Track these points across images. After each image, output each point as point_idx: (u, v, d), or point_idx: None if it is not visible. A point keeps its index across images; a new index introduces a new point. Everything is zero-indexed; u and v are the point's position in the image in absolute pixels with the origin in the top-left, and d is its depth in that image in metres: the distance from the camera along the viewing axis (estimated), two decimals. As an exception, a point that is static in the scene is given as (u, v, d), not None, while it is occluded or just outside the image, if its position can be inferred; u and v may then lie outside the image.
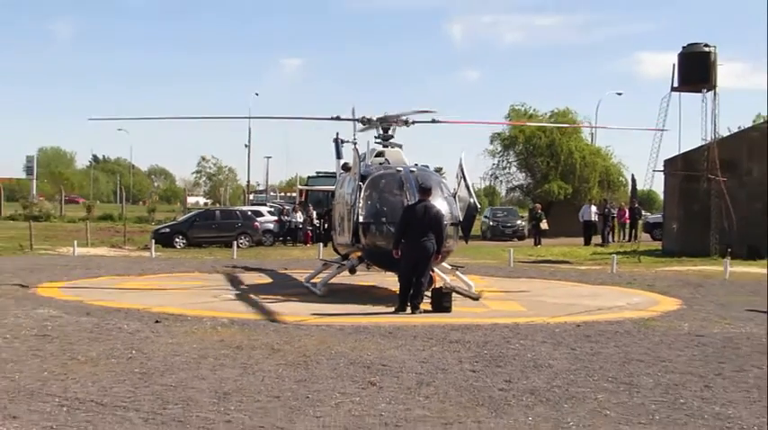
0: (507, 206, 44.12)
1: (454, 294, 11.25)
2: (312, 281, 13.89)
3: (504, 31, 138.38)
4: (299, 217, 29.43)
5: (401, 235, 10.92)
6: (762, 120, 37.13)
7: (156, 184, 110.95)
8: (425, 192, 11.24)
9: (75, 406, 5.62)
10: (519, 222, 35.97)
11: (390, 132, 14.10)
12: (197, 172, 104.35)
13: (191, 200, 71.63)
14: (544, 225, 31.24)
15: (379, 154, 13.79)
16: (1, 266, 17.47)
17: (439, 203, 11.86)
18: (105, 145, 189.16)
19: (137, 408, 5.56)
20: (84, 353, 7.55)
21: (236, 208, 35.82)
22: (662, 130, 21.74)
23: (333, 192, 15.37)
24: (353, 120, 14.56)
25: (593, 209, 30.67)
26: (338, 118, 14.67)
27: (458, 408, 5.70)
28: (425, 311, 10.67)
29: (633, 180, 37.22)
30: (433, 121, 14.56)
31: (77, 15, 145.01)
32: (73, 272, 16.52)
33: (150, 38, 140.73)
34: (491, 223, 35.18)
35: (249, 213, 30.21)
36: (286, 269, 18.00)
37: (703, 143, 22.94)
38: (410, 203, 11.32)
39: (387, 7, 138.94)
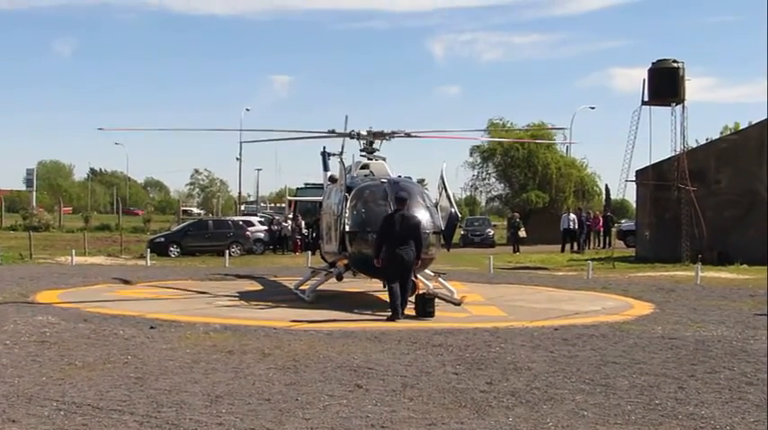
0: (483, 216, 44.86)
1: (437, 300, 11.44)
2: (301, 287, 14.08)
3: (482, 49, 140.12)
4: (288, 225, 29.80)
5: (380, 244, 11.13)
6: (728, 132, 38.06)
7: (151, 196, 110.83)
8: (401, 201, 11.45)
9: (73, 409, 5.69)
10: (488, 231, 36.79)
11: (374, 146, 14.41)
12: (190, 184, 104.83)
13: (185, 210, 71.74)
14: (522, 233, 31.66)
15: (364, 166, 14.07)
16: (1, 275, 17.53)
17: (421, 213, 12.14)
18: (102, 158, 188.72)
19: (132, 412, 5.64)
20: (82, 358, 7.65)
21: (228, 218, 36.10)
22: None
23: (320, 203, 15.62)
24: (343, 135, 14.79)
25: (572, 217, 31.13)
26: (333, 131, 14.95)
27: (441, 410, 5.82)
28: (409, 316, 10.87)
29: (607, 189, 37.86)
30: (407, 136, 14.87)
31: (76, 32, 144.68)
32: (71, 280, 16.60)
33: (146, 55, 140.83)
34: (462, 232, 35.71)
35: (241, 223, 30.48)
36: (276, 276, 18.15)
37: (673, 154, 23.51)
38: (387, 214, 11.50)
39: (372, 27, 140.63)
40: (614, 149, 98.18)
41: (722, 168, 23.37)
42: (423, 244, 11.30)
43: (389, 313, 10.81)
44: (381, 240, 11.13)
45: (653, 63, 23.76)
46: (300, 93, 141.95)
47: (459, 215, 14.39)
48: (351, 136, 14.63)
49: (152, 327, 9.59)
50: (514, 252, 29.70)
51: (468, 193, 45.03)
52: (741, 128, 35.37)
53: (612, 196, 34.91)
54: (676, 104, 23.33)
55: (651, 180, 24.24)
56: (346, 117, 14.66)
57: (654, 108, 23.68)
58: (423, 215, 12.27)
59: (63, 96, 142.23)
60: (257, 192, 72.16)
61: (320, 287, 13.46)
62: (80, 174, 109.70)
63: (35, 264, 22.11)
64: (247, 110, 60.06)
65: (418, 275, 12.28)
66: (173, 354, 7.89)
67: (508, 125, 40.83)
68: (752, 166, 22.72)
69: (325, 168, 16.49)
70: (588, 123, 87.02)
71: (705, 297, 14.00)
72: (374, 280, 12.73)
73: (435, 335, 9.25)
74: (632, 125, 23.42)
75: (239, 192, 60.93)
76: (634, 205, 30.72)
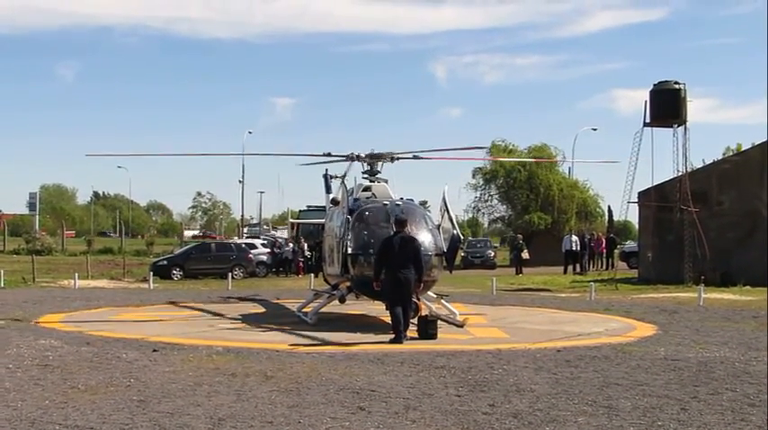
0: (483, 238, 44.95)
1: (439, 322, 11.44)
2: (303, 310, 14.09)
3: (484, 71, 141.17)
4: (290, 247, 29.88)
5: (380, 267, 11.15)
6: (731, 153, 38.13)
7: (154, 219, 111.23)
8: (401, 223, 11.48)
9: (76, 433, 5.68)
10: (489, 252, 36.98)
11: (377, 168, 14.50)
12: (193, 207, 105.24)
13: (187, 233, 71.87)
14: (525, 254, 31.63)
15: (366, 188, 14.15)
16: (4, 299, 17.54)
17: (423, 235, 12.19)
18: (105, 181, 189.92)
19: (134, 435, 5.65)
20: (84, 381, 7.66)
21: (230, 241, 36.16)
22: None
23: (323, 225, 15.70)
24: (345, 158, 14.93)
25: (575, 238, 31.11)
26: (329, 154, 15.09)
27: (444, 432, 5.82)
28: (412, 338, 10.87)
29: (609, 211, 37.91)
30: (415, 157, 14.97)
31: (78, 56, 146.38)
32: (73, 303, 16.61)
33: (148, 79, 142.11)
34: (462, 254, 35.73)
35: (243, 246, 30.55)
36: (279, 299, 18.13)
37: (675, 175, 23.55)
38: (387, 236, 11.50)
39: (373, 50, 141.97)
40: (616, 171, 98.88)
41: (724, 189, 23.40)
42: (424, 266, 11.29)
43: (392, 336, 10.80)
44: (381, 263, 11.16)
45: (654, 85, 23.87)
46: (303, 115, 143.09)
47: (462, 237, 14.45)
48: (353, 158, 14.74)
49: (155, 350, 9.61)
50: (517, 273, 29.67)
51: (471, 215, 45.15)
52: (743, 149, 35.41)
53: (615, 218, 34.94)
54: (678, 126, 23.42)
55: (653, 201, 24.26)
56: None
57: (656, 129, 23.77)
58: (425, 237, 12.31)
59: (66, 120, 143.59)
60: (260, 215, 72.42)
61: (323, 309, 13.47)
62: (83, 197, 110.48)
63: (38, 288, 22.11)
64: (250, 132, 60.56)
65: (420, 297, 12.29)
66: (175, 377, 7.89)
67: (510, 147, 40.98)
68: (754, 187, 22.74)
69: (328, 191, 16.57)
70: (590, 145, 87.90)
71: (708, 318, 13.97)
72: (377, 302, 12.73)
73: (438, 357, 9.25)
74: (634, 146, 23.52)
75: (242, 215, 61.12)
76: (637, 226, 30.69)
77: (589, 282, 22.06)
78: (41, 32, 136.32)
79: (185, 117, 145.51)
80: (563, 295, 20.40)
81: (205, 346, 9.96)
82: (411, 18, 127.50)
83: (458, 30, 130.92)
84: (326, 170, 16.54)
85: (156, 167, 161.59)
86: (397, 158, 14.72)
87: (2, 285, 22.20)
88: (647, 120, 23.47)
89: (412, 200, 13.95)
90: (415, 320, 11.40)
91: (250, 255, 29.30)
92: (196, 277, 26.96)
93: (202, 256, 28.78)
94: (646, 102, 23.60)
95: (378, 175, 14.56)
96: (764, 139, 23.62)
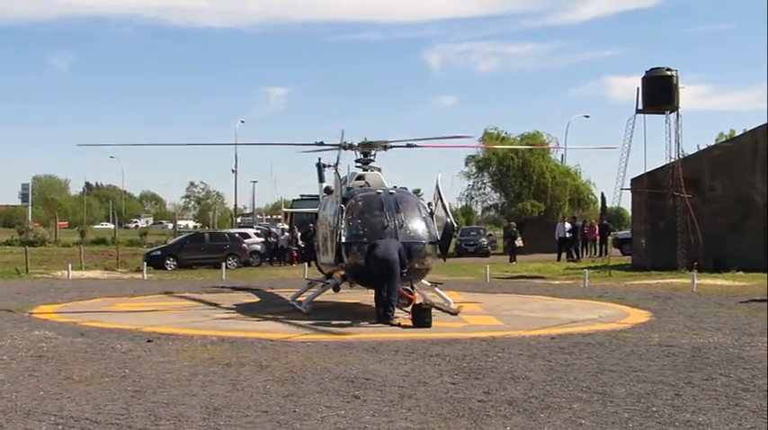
0: (478, 226, 45.04)
1: (434, 310, 11.48)
2: (298, 299, 14.12)
3: (478, 59, 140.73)
4: (284, 237, 29.88)
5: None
6: (723, 139, 38.20)
7: (147, 209, 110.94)
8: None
9: (71, 424, 5.70)
10: (482, 240, 37.07)
11: (370, 157, 14.49)
12: (186, 196, 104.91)
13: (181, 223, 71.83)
14: (519, 242, 31.71)
15: (360, 177, 14.16)
16: (-1, 290, 17.47)
17: (417, 223, 12.22)
18: (98, 172, 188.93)
19: (130, 425, 5.65)
20: (79, 372, 7.67)
21: (224, 230, 36.13)
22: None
23: (316, 214, 15.69)
24: (338, 146, 14.91)
25: (567, 226, 31.20)
26: (322, 143, 15.07)
27: (439, 420, 5.84)
28: (406, 327, 10.94)
29: (602, 198, 37.93)
30: (409, 146, 14.96)
31: (72, 46, 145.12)
32: (67, 294, 16.59)
33: (142, 69, 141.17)
34: (456, 241, 35.82)
35: (237, 235, 30.50)
36: (273, 288, 18.17)
37: (668, 162, 23.60)
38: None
39: (367, 39, 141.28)
40: (609, 158, 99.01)
41: (717, 175, 23.47)
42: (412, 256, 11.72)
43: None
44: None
45: (646, 71, 23.88)
46: (296, 105, 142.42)
47: (455, 225, 14.48)
48: (345, 147, 14.70)
49: (149, 341, 9.61)
50: (511, 261, 29.75)
51: (464, 203, 45.13)
52: (736, 135, 35.47)
53: (608, 204, 34.96)
54: (670, 112, 23.43)
55: (646, 188, 24.32)
56: (342, 132, 14.77)
57: (648, 116, 23.78)
58: (419, 226, 12.36)
59: (58, 110, 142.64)
60: (253, 205, 72.24)
61: (317, 298, 13.50)
62: (75, 188, 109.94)
63: (31, 279, 22.06)
64: (242, 122, 60.20)
65: (415, 286, 12.32)
66: (170, 367, 7.91)
67: (503, 135, 40.95)
68: (746, 173, 22.81)
69: (321, 180, 16.58)
70: (583, 132, 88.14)
71: (701, 304, 14.05)
72: (371, 290, 12.75)
73: (432, 345, 9.28)
74: (627, 133, 23.55)
75: (235, 205, 60.92)
76: (630, 213, 30.76)
77: (582, 269, 22.12)
78: (35, 23, 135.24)
79: (178, 107, 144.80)
80: (557, 282, 20.46)
81: (200, 336, 9.98)
82: (405, 6, 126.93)
83: (451, 18, 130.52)
84: (319, 159, 16.55)
85: (149, 158, 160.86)
86: (390, 147, 14.71)
87: (-5, 277, 22.15)
88: (640, 107, 23.48)
89: (405, 188, 13.95)
90: (409, 309, 11.45)
91: (244, 245, 29.31)
92: (190, 267, 26.97)
93: (196, 246, 28.79)
94: (638, 88, 23.60)
95: (371, 164, 14.55)
96: (755, 125, 23.64)
